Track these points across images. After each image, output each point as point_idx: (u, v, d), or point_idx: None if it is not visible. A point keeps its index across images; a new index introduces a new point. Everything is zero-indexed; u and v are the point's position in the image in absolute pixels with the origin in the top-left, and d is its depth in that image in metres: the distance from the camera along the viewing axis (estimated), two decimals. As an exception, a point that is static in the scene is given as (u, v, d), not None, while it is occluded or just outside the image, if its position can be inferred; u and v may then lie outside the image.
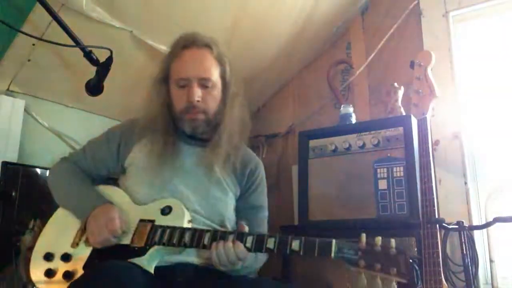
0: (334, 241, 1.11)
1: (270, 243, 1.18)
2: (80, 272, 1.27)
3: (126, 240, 1.30)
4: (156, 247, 1.25)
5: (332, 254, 1.10)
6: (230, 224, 1.45)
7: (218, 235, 1.23)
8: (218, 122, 1.46)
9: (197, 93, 1.40)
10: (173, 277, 1.30)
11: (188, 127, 1.44)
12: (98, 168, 1.51)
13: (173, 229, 1.27)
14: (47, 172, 1.83)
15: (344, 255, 1.09)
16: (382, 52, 2.40)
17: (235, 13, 2.06)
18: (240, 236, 1.22)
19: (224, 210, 1.45)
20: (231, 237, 1.21)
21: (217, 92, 1.45)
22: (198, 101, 1.40)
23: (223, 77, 1.46)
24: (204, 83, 1.41)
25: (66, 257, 1.31)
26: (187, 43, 1.43)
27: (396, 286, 1.06)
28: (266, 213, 1.56)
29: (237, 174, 1.50)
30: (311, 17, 2.30)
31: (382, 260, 1.06)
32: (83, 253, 1.31)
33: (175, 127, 1.47)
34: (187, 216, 1.33)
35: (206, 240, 1.23)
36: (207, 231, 1.25)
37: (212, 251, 1.21)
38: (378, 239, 1.09)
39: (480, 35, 2.25)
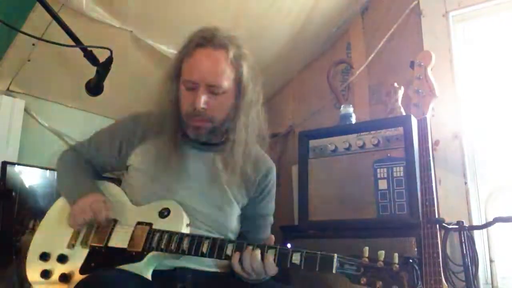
0: (335, 256, 1.09)
1: (270, 253, 1.16)
2: (76, 275, 1.25)
3: (123, 244, 1.28)
4: (153, 252, 1.23)
5: (334, 270, 1.08)
6: (232, 234, 1.41)
7: (217, 243, 1.21)
8: (229, 129, 1.37)
9: (203, 99, 1.29)
10: (172, 282, 1.28)
11: (191, 133, 1.36)
12: (100, 161, 1.48)
13: (171, 234, 1.23)
14: (48, 172, 1.83)
15: (345, 271, 1.07)
16: (382, 52, 2.40)
17: (235, 13, 2.06)
18: (239, 246, 1.19)
19: (226, 221, 1.39)
20: (250, 248, 1.17)
21: (227, 98, 1.33)
22: (203, 108, 1.29)
23: (238, 82, 1.34)
24: (213, 90, 1.30)
25: (62, 258, 1.29)
26: (203, 41, 1.30)
27: None
28: (272, 218, 1.53)
29: (247, 181, 1.42)
30: (311, 17, 2.30)
31: (384, 277, 1.03)
32: (79, 255, 1.29)
33: (182, 128, 1.39)
34: (186, 219, 1.29)
35: (204, 248, 1.20)
36: (206, 238, 1.22)
37: (235, 263, 1.17)
38: (381, 254, 1.07)
39: (480, 35, 2.25)
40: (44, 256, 1.30)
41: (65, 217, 1.37)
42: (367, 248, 1.08)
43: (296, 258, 1.12)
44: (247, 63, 1.35)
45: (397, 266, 1.03)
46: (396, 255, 1.05)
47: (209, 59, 1.30)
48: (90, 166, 1.48)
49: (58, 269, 1.28)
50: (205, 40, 1.31)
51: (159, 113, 1.39)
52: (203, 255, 1.20)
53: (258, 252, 1.15)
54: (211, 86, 1.29)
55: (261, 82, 1.42)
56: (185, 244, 1.21)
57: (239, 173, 1.38)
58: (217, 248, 1.20)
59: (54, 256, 1.30)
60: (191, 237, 1.23)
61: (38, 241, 1.36)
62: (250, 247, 1.17)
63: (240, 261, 1.16)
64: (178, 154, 1.36)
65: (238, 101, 1.35)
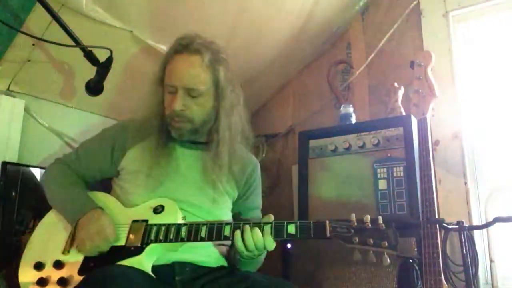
0: (327, 221, 1.18)
1: (267, 229, 1.22)
2: (75, 277, 1.25)
3: (121, 242, 1.29)
4: (152, 245, 1.25)
5: (328, 234, 1.17)
6: None
7: (215, 226, 1.24)
8: (212, 129, 1.46)
9: (181, 102, 1.38)
10: (171, 276, 1.30)
11: (174, 133, 1.45)
12: (91, 170, 1.51)
13: (169, 225, 1.27)
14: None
15: (338, 234, 1.17)
16: (382, 52, 2.40)
17: (235, 13, 2.06)
18: (237, 226, 1.23)
19: (220, 213, 1.45)
20: (248, 226, 1.23)
21: (206, 100, 1.42)
22: (182, 110, 1.39)
23: (215, 84, 1.42)
24: (190, 92, 1.39)
25: (58, 264, 1.29)
26: (180, 48, 1.41)
27: (388, 258, 1.15)
28: (260, 212, 1.59)
29: (235, 177, 1.50)
30: (311, 17, 2.30)
31: (373, 235, 1.15)
32: (76, 258, 1.29)
33: (169, 129, 1.47)
34: (180, 213, 1.34)
35: (203, 233, 1.24)
36: (204, 224, 1.26)
37: (237, 240, 1.23)
38: (367, 217, 1.18)
39: (480, 35, 2.25)
40: (39, 266, 1.30)
41: (57, 227, 1.38)
42: (353, 214, 1.18)
43: (291, 228, 1.20)
44: (224, 67, 1.44)
45: (383, 225, 1.16)
46: (380, 217, 1.18)
47: (184, 64, 1.39)
48: (80, 178, 1.50)
49: (55, 275, 1.27)
50: (182, 46, 1.41)
51: (147, 116, 1.48)
52: (202, 239, 1.24)
53: (257, 229, 1.22)
54: (188, 89, 1.38)
55: (239, 85, 1.51)
56: (183, 232, 1.25)
57: (226, 170, 1.46)
58: (215, 230, 1.24)
59: (49, 263, 1.30)
60: (189, 225, 1.27)
61: (32, 252, 1.36)
62: (248, 226, 1.23)
63: (242, 238, 1.22)
64: (167, 153, 1.44)
65: (218, 103, 1.44)
